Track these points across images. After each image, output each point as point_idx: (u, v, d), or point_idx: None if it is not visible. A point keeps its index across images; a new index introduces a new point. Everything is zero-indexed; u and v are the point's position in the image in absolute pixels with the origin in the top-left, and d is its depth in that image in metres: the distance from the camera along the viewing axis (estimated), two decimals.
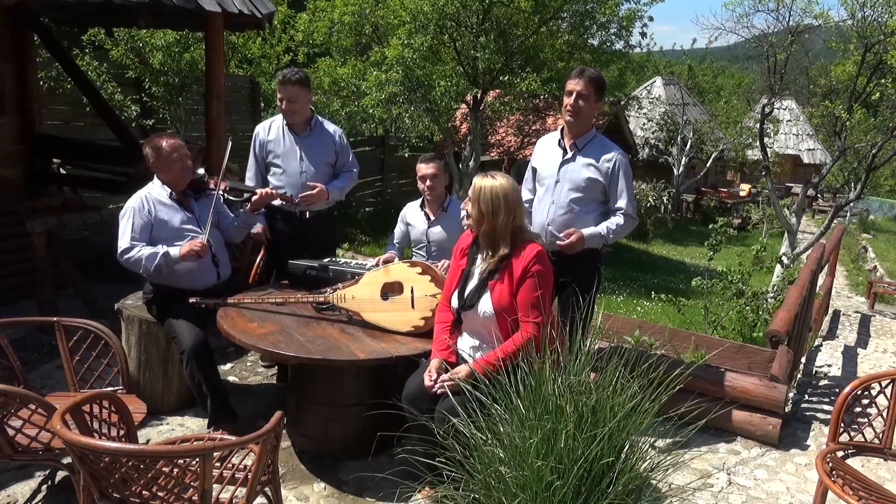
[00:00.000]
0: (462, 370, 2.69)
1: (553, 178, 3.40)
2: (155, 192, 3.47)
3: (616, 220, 3.35)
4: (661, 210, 19.15)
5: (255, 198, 3.59)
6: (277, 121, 4.01)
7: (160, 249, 3.30)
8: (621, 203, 3.34)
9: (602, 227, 3.33)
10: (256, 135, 4.01)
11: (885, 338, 7.84)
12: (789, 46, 10.32)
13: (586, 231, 3.28)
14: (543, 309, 2.73)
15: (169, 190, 3.47)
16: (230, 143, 3.74)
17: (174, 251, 3.30)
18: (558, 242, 3.23)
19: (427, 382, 2.73)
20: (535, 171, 3.56)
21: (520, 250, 2.76)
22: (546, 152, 3.50)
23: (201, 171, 3.63)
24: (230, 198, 3.69)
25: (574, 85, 3.24)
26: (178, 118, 10.29)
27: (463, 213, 3.21)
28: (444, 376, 2.70)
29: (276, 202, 3.84)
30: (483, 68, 10.63)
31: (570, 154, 3.38)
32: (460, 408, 2.44)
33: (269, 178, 3.99)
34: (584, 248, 3.31)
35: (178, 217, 3.46)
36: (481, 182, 2.79)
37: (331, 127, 4.08)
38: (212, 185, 3.57)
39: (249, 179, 4.05)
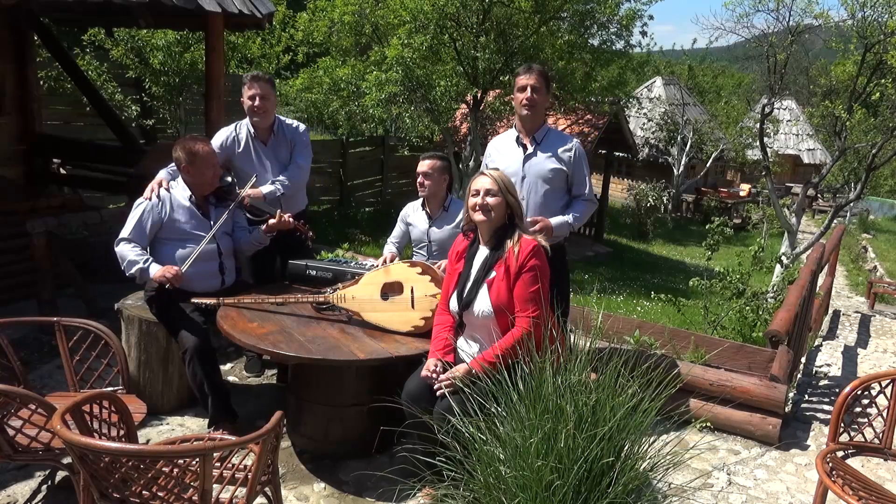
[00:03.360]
0: (460, 369, 2.69)
1: (518, 174, 3.44)
2: (177, 192, 3.48)
3: (579, 207, 3.49)
4: (661, 210, 19.14)
5: (272, 221, 3.58)
6: (242, 133, 3.86)
7: (142, 263, 3.28)
8: (583, 189, 3.50)
9: (568, 216, 3.44)
10: (223, 142, 3.82)
11: (885, 338, 7.84)
12: (789, 46, 10.32)
13: (554, 220, 3.37)
14: (541, 304, 2.71)
15: (190, 193, 3.47)
16: None
17: (153, 270, 3.28)
18: (530, 230, 3.22)
19: (424, 373, 2.74)
20: None
21: (516, 245, 2.76)
22: (504, 151, 3.55)
23: (229, 178, 3.61)
24: (249, 216, 3.70)
25: (526, 80, 3.37)
26: (178, 118, 10.31)
27: (484, 216, 3.10)
28: (442, 376, 2.70)
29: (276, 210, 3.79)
30: (483, 68, 10.62)
31: (531, 149, 3.46)
32: (460, 407, 2.43)
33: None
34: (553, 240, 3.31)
35: (191, 221, 3.46)
36: (491, 175, 2.82)
37: (291, 125, 3.97)
38: (238, 195, 3.57)
39: None
